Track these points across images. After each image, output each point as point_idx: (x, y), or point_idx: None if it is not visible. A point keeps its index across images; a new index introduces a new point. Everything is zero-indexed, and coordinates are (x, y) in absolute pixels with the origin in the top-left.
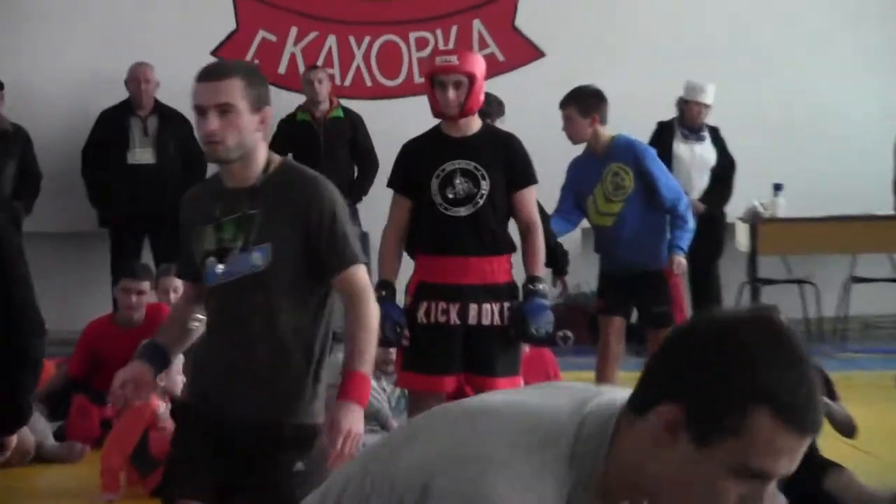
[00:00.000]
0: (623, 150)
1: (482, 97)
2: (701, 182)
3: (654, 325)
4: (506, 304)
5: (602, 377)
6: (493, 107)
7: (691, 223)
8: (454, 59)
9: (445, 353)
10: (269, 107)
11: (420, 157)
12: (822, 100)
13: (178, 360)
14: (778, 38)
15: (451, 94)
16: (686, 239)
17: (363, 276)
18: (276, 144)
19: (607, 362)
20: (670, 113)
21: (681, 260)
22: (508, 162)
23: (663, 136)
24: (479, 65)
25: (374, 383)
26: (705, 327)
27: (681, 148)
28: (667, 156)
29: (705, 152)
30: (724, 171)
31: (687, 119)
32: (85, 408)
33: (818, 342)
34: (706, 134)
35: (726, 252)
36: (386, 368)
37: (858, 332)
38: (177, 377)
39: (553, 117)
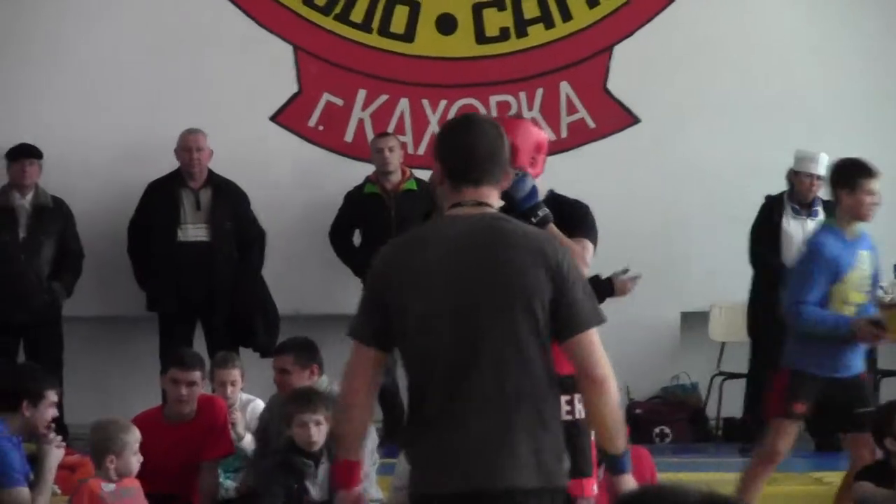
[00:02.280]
0: (865, 235)
1: (537, 168)
2: None
3: (856, 428)
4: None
5: (754, 479)
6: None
7: None
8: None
9: None
10: None
11: None
12: None
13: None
14: None
15: None
16: None
17: None
18: (342, 219)
19: (769, 465)
20: (779, 184)
21: None
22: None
23: (772, 212)
24: (519, 134)
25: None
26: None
27: (791, 224)
28: (775, 233)
29: None
30: None
31: (798, 193)
32: None
33: None
34: (819, 209)
35: None
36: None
37: None
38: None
39: (650, 185)
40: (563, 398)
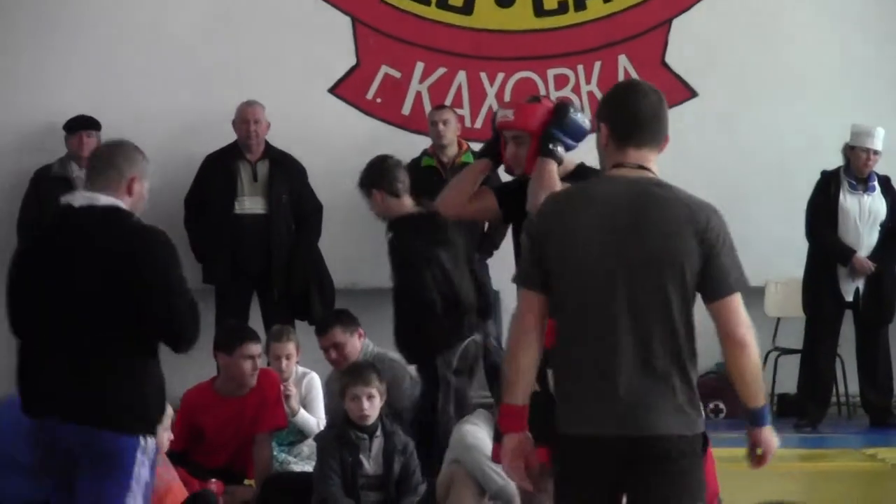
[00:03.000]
0: None
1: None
2: (870, 238)
3: None
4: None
5: None
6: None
7: None
8: (510, 115)
9: None
10: None
11: None
12: None
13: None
14: None
15: (511, 150)
16: None
17: None
18: None
19: None
20: (838, 159)
21: None
22: None
23: (828, 187)
24: (542, 118)
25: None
26: None
27: (848, 200)
28: (832, 208)
29: (875, 204)
30: (895, 226)
31: (854, 167)
32: (185, 483)
33: None
34: (876, 184)
35: None
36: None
37: None
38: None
39: (709, 159)
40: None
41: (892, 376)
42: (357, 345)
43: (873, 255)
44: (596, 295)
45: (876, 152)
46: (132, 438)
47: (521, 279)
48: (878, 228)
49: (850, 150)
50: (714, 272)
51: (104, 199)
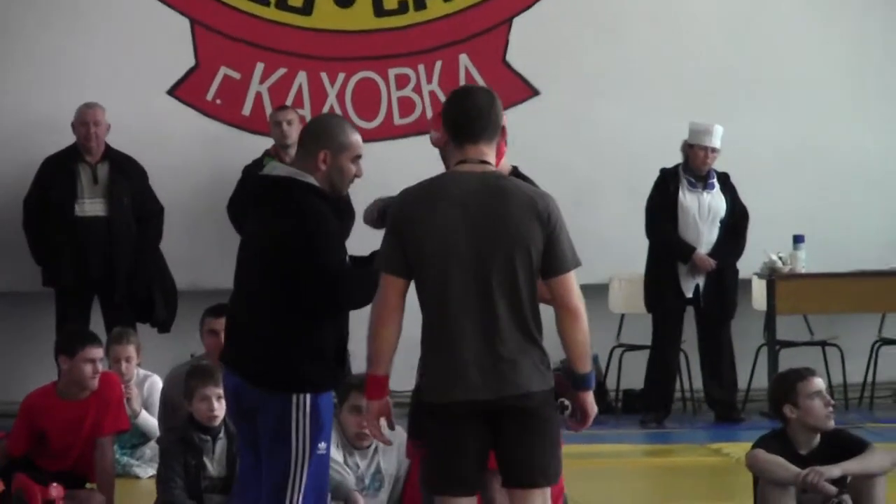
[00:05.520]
0: None
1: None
2: (710, 235)
3: None
4: None
5: None
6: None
7: None
8: (434, 135)
9: None
10: None
11: None
12: (848, 143)
13: None
14: (794, 76)
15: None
16: None
17: None
18: (241, 193)
19: None
20: (672, 160)
21: None
22: None
23: (667, 185)
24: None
25: (340, 459)
26: None
27: (687, 197)
28: (672, 206)
29: (714, 201)
30: (735, 222)
31: (692, 165)
32: (26, 488)
33: (843, 412)
34: (715, 181)
35: (742, 312)
36: (361, 444)
37: (888, 400)
38: None
39: (553, 157)
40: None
41: (736, 371)
42: None
43: (713, 252)
44: (454, 280)
45: (714, 150)
46: None
47: (383, 264)
48: (718, 225)
49: (689, 148)
50: (554, 252)
51: None
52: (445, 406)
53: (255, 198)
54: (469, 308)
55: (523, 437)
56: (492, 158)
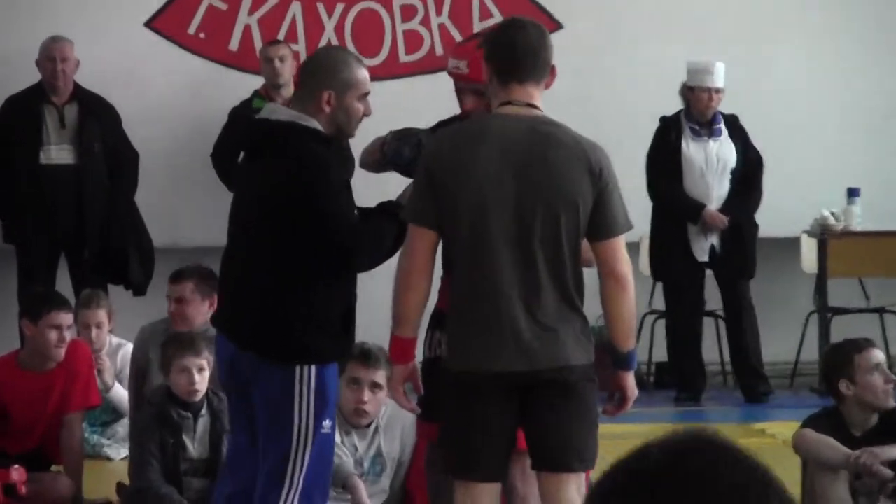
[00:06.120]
0: None
1: None
2: (720, 188)
3: None
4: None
5: None
6: None
7: None
8: (464, 67)
9: None
10: None
11: None
12: None
13: None
14: (845, 16)
15: (470, 102)
16: None
17: None
18: (227, 138)
19: None
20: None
21: None
22: None
23: (668, 135)
24: None
25: (337, 439)
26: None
27: (691, 147)
28: (675, 159)
29: (722, 150)
30: (748, 171)
31: (695, 111)
32: None
33: None
34: (722, 126)
35: (790, 274)
36: (359, 422)
37: None
38: None
39: (571, 94)
40: (436, 334)
41: (759, 338)
42: (203, 314)
43: (725, 207)
44: (489, 231)
45: (717, 90)
46: None
47: (412, 215)
48: (729, 176)
49: (689, 92)
50: (604, 212)
51: None
52: (471, 377)
53: (250, 144)
54: (506, 267)
55: (560, 414)
56: (539, 101)
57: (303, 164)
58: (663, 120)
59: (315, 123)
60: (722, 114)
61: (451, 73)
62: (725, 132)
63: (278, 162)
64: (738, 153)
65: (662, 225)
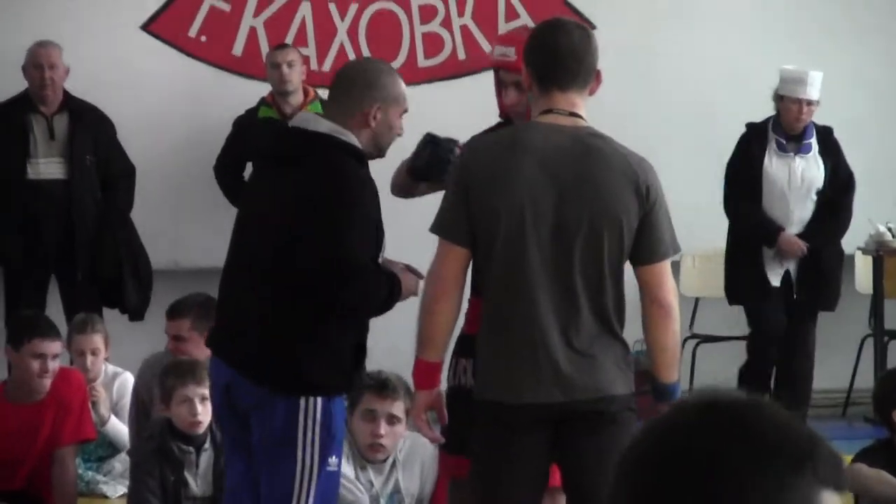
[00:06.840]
0: None
1: None
2: (803, 211)
3: None
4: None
5: None
6: None
7: None
8: (511, 54)
9: None
10: None
11: None
12: None
13: None
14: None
15: (512, 95)
16: None
17: None
18: (231, 150)
19: None
20: (770, 108)
21: None
22: None
23: (750, 147)
24: None
25: (351, 474)
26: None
27: (774, 164)
28: (756, 174)
29: (809, 169)
30: (836, 194)
31: (784, 122)
32: None
33: None
34: (812, 141)
35: (843, 296)
36: (375, 457)
37: None
38: None
39: (599, 106)
40: (462, 361)
41: (811, 380)
42: (206, 350)
43: (807, 233)
44: (527, 250)
45: (810, 102)
46: None
47: (443, 230)
48: (814, 198)
49: (780, 101)
50: (650, 234)
51: None
52: (502, 408)
53: (276, 153)
54: (542, 290)
55: (599, 449)
56: (583, 110)
57: (338, 182)
58: (749, 128)
59: (353, 139)
60: (815, 125)
61: (495, 63)
62: (816, 148)
63: (311, 176)
64: (826, 171)
65: (736, 246)
